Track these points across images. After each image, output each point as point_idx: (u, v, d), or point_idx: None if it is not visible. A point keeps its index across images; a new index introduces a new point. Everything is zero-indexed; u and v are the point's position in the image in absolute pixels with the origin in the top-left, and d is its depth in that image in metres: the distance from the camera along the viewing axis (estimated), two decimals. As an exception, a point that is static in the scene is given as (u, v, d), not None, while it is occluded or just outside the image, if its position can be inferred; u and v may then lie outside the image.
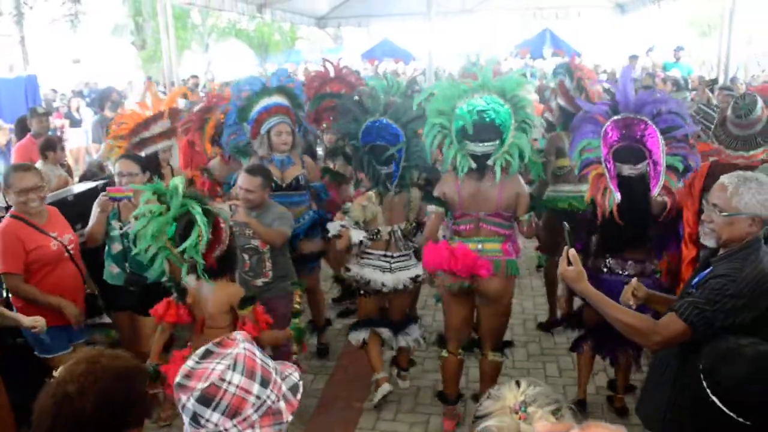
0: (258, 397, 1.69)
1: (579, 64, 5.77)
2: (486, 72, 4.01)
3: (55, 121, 13.16)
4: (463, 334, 4.41)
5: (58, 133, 12.40)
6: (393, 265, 4.55)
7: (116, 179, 4.49)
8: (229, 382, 1.67)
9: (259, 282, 4.44)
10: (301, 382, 1.86)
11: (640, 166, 3.78)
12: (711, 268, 2.71)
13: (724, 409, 1.87)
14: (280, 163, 4.97)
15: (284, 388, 1.79)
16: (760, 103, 3.97)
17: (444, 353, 4.44)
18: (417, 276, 4.59)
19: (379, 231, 4.53)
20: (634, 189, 3.81)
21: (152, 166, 4.86)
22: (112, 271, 4.47)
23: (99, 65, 28.55)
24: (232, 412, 1.66)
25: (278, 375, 1.79)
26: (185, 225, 3.30)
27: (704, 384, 1.92)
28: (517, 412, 1.47)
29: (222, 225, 3.44)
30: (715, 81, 11.58)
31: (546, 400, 1.49)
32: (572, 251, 2.79)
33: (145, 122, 5.25)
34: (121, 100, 11.30)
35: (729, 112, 4.07)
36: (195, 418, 1.68)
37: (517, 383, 1.55)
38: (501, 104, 3.92)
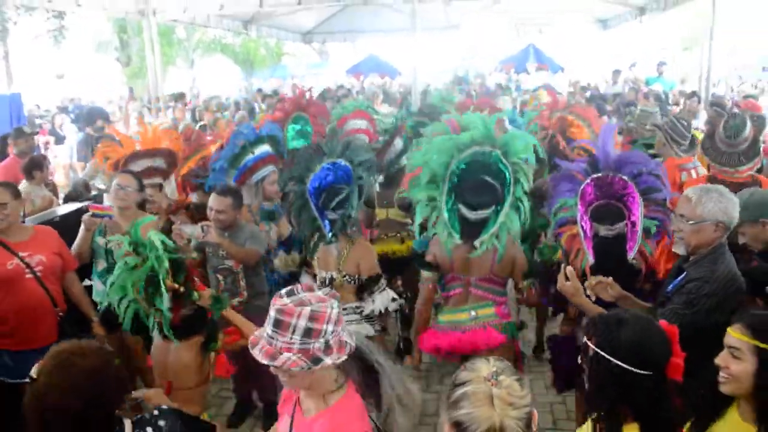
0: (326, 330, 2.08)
1: (568, 108, 5.70)
2: (489, 124, 3.76)
3: (39, 138, 13.11)
4: None
5: (43, 150, 12.36)
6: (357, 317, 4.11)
7: (112, 192, 4.47)
8: (332, 307, 2.13)
9: (235, 302, 4.34)
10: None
11: (617, 227, 3.55)
12: (685, 273, 2.97)
13: (626, 366, 2.14)
14: (269, 215, 5.03)
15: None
16: (749, 124, 4.10)
17: None
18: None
19: (333, 278, 4.12)
20: (610, 251, 3.57)
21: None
22: (98, 288, 4.43)
23: (83, 81, 28.48)
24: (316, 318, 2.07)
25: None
26: (154, 283, 3.03)
27: (603, 355, 2.18)
28: (489, 380, 1.80)
29: (195, 280, 3.22)
30: (693, 93, 11.77)
31: (511, 371, 1.85)
32: (569, 268, 3.02)
33: (134, 155, 5.24)
34: (106, 122, 11.24)
35: (720, 129, 4.23)
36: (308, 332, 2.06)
37: (487, 359, 1.89)
38: (503, 166, 3.68)
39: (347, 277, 4.04)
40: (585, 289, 3.11)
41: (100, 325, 4.17)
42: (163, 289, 2.95)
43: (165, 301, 2.95)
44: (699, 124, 8.54)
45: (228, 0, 10.80)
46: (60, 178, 10.35)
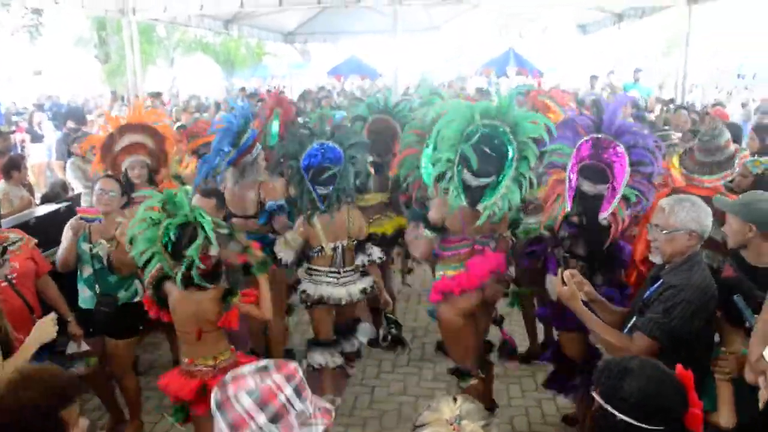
0: (260, 429, 1.83)
1: (547, 90, 5.81)
2: (509, 99, 3.97)
3: (15, 136, 12.97)
4: (478, 352, 4.47)
5: (19, 149, 12.23)
6: (341, 280, 4.72)
7: (95, 196, 4.44)
8: (240, 403, 1.84)
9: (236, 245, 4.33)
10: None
11: (599, 187, 3.81)
12: (661, 281, 3.05)
13: (632, 421, 2.00)
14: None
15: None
16: (726, 133, 4.20)
17: (468, 381, 4.41)
18: (365, 288, 4.79)
19: (322, 248, 4.68)
20: (587, 206, 3.85)
21: (126, 186, 4.79)
22: (84, 294, 4.41)
23: (61, 77, 28.15)
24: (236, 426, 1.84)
25: (298, 419, 1.88)
26: (191, 232, 3.44)
27: (608, 408, 2.04)
28: (451, 424, 1.67)
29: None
30: (671, 101, 11.96)
31: (478, 415, 1.70)
32: (567, 272, 3.18)
33: (105, 144, 5.24)
34: (84, 118, 11.13)
35: (697, 139, 4.35)
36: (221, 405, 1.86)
37: (454, 399, 1.75)
38: (509, 140, 3.89)
39: (354, 240, 4.75)
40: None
41: (78, 325, 4.25)
42: (200, 237, 3.40)
43: (196, 246, 3.37)
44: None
45: (208, 0, 10.74)
46: (32, 177, 10.26)
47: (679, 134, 5.93)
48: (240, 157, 4.96)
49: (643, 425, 1.99)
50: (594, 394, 2.12)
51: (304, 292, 4.73)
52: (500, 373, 5.48)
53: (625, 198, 3.76)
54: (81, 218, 4.28)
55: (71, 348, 4.24)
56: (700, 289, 2.91)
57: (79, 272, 4.40)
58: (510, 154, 3.89)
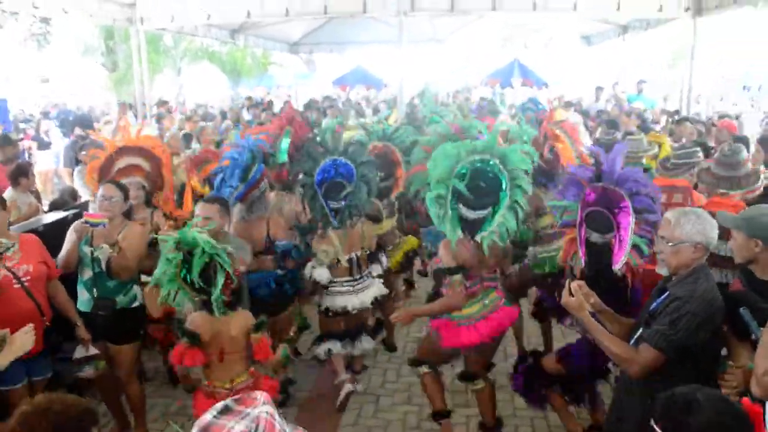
0: None
1: (559, 123, 5.75)
2: (492, 136, 4.11)
3: (22, 144, 13.04)
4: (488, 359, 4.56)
5: (26, 156, 12.30)
6: (356, 287, 5.07)
7: (98, 203, 4.50)
8: None
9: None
10: None
11: (607, 236, 3.79)
12: (668, 293, 3.05)
13: None
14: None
15: None
16: (745, 150, 4.25)
17: (479, 385, 4.48)
18: (377, 297, 5.17)
19: (339, 261, 4.99)
20: (598, 258, 3.82)
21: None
22: (82, 297, 4.44)
23: (68, 85, 28.31)
24: None
25: None
26: (211, 270, 3.61)
27: None
28: None
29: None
30: (677, 112, 11.98)
31: None
32: (574, 283, 3.19)
33: (119, 151, 5.32)
34: (92, 125, 11.21)
35: (717, 154, 4.42)
36: None
37: None
38: (500, 170, 4.00)
39: (367, 251, 5.20)
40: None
41: (97, 312, 4.34)
42: (220, 273, 3.58)
43: (219, 283, 3.57)
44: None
45: (216, 10, 10.80)
46: (39, 184, 10.31)
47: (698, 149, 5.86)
48: (248, 192, 4.97)
49: None
50: (656, 428, 1.99)
51: (324, 306, 5.09)
52: (505, 384, 5.49)
53: (636, 247, 3.70)
54: (86, 222, 4.29)
55: (79, 352, 4.28)
56: (705, 301, 2.90)
57: (79, 275, 4.43)
58: (503, 184, 4.00)
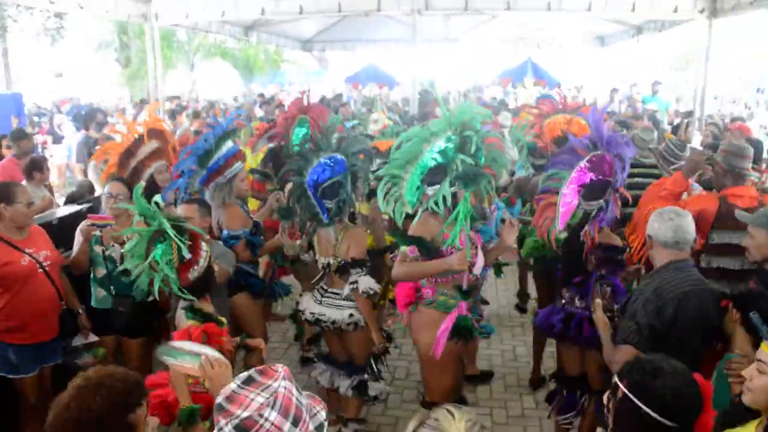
0: None
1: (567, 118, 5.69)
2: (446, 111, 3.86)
3: (36, 137, 13.14)
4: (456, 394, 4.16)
5: (41, 150, 12.39)
6: (323, 299, 4.38)
7: (104, 201, 4.57)
8: (266, 419, 1.82)
9: (182, 305, 3.94)
10: (326, 422, 1.99)
11: (593, 203, 3.84)
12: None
13: (656, 416, 2.12)
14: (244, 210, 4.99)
15: (311, 426, 1.93)
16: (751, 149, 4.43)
17: None
18: (343, 319, 4.24)
19: (316, 261, 4.47)
20: (582, 225, 3.91)
21: (152, 192, 4.85)
22: (98, 295, 4.48)
23: (81, 80, 28.50)
24: None
25: (308, 413, 1.93)
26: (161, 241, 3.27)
27: (635, 401, 2.15)
28: None
29: (200, 246, 3.39)
30: (690, 113, 11.92)
31: (478, 425, 1.70)
32: (596, 300, 3.50)
33: (128, 150, 5.30)
34: (106, 120, 11.29)
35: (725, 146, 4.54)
36: None
37: (449, 412, 1.71)
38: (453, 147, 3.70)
39: (341, 261, 4.25)
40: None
41: (117, 309, 4.37)
42: (167, 246, 3.20)
43: (169, 263, 3.20)
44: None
45: (230, 6, 10.83)
46: (54, 178, 10.39)
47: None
48: (210, 178, 4.75)
49: (664, 420, 2.11)
50: (620, 385, 2.21)
51: (309, 314, 4.42)
52: (513, 383, 5.52)
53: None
54: (92, 224, 4.36)
55: (77, 340, 4.36)
56: (656, 291, 3.10)
57: (92, 274, 4.48)
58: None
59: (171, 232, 3.22)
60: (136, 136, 5.36)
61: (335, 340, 4.46)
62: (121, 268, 3.53)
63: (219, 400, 1.88)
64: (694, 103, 11.53)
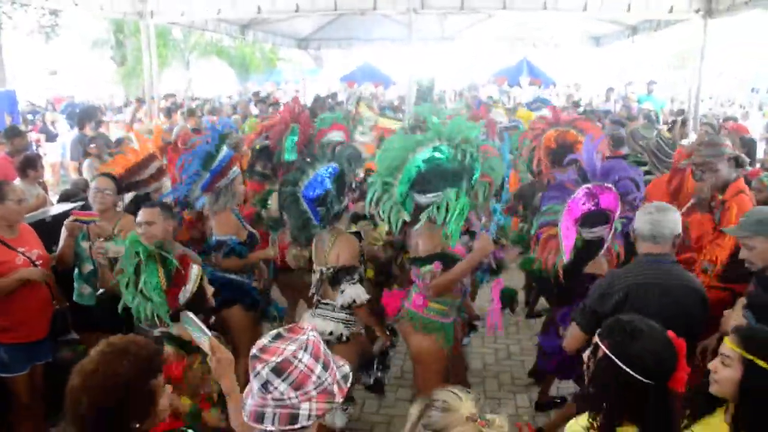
0: (319, 377, 2.00)
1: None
2: (437, 121, 3.92)
3: (30, 135, 13.09)
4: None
5: (34, 148, 12.35)
6: (316, 310, 4.20)
7: (91, 195, 4.58)
8: (300, 360, 1.97)
9: (157, 332, 3.67)
10: (351, 373, 2.16)
11: (596, 230, 3.78)
12: None
13: (634, 374, 2.25)
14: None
15: (338, 375, 2.09)
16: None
17: None
18: (332, 332, 4.04)
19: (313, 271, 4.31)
20: (589, 252, 3.84)
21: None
22: (83, 291, 4.45)
23: (76, 78, 28.40)
24: (298, 385, 1.97)
25: (335, 363, 2.11)
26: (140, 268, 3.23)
27: (615, 361, 2.28)
28: (475, 420, 1.68)
29: (188, 268, 3.27)
30: (682, 111, 11.97)
31: (487, 406, 1.78)
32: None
33: (137, 167, 5.20)
34: (102, 118, 11.25)
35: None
36: (265, 386, 1.97)
37: (456, 394, 1.77)
38: (452, 157, 3.74)
39: (331, 269, 4.05)
40: None
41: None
42: (151, 275, 3.17)
43: (156, 288, 3.17)
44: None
45: (226, 4, 10.78)
46: (48, 176, 10.35)
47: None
48: (213, 181, 4.67)
49: (642, 378, 2.24)
50: (600, 345, 2.35)
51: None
52: (507, 382, 5.53)
53: (614, 229, 3.77)
54: (76, 220, 4.30)
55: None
56: (610, 278, 3.28)
57: (77, 269, 4.46)
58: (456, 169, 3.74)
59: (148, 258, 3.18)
60: (147, 154, 5.30)
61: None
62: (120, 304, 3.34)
63: (253, 351, 2.01)
64: (689, 103, 11.56)
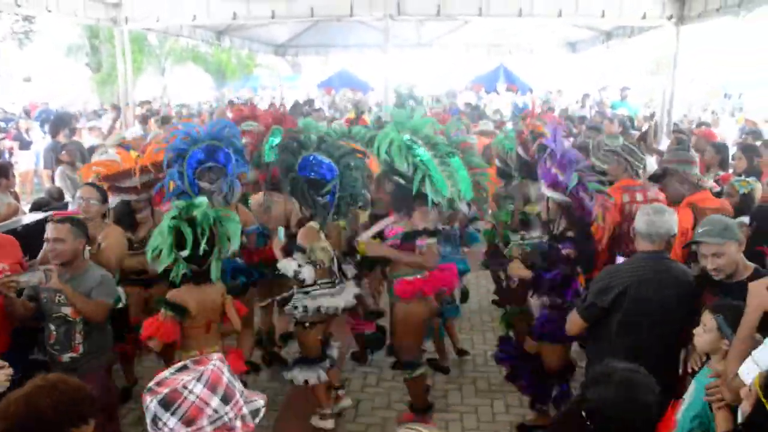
0: (216, 411, 1.81)
1: (535, 113, 6.02)
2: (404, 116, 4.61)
3: (3, 143, 12.91)
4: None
5: (7, 156, 12.18)
6: (333, 289, 4.59)
7: (76, 204, 4.58)
8: (191, 391, 1.79)
9: (66, 357, 3.88)
10: (263, 410, 1.96)
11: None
12: None
13: (588, 423, 2.24)
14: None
15: (245, 410, 1.89)
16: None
17: (415, 372, 4.73)
18: (357, 294, 4.79)
19: (323, 262, 4.54)
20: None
21: (125, 215, 4.92)
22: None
23: (51, 85, 28.03)
24: (189, 420, 1.78)
25: (242, 397, 1.91)
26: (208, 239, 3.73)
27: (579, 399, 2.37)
28: None
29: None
30: (653, 115, 12.17)
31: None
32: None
33: (120, 174, 5.00)
34: (76, 126, 11.11)
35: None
36: (154, 420, 1.79)
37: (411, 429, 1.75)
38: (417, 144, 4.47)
39: (336, 251, 4.71)
40: None
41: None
42: (222, 239, 3.84)
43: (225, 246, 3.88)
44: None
45: (201, 11, 10.72)
46: (20, 186, 10.18)
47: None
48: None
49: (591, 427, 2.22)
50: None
51: (302, 307, 4.50)
52: (485, 388, 5.53)
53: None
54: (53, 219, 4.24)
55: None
56: (610, 272, 3.61)
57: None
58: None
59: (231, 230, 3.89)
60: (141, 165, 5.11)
61: (319, 334, 4.70)
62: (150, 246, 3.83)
63: (150, 384, 1.86)
64: (662, 109, 11.71)
